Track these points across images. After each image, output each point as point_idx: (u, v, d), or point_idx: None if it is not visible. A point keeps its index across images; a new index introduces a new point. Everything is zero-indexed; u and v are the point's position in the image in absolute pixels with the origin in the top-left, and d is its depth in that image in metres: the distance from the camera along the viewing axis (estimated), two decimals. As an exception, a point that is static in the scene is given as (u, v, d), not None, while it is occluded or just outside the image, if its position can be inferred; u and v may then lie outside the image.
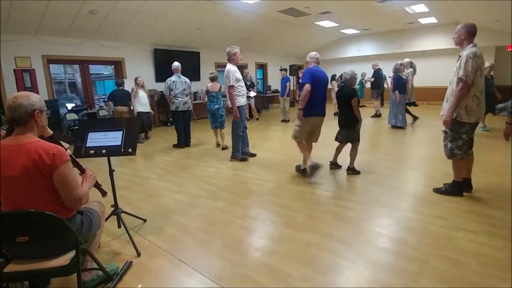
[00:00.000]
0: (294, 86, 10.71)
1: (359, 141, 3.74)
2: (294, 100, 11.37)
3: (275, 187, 3.52)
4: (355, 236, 2.33)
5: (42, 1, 5.30)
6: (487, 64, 5.77)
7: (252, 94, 8.71)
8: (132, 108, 6.40)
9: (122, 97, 6.42)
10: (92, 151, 2.14)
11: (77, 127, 6.55)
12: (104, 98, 12.55)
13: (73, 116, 7.15)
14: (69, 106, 8.03)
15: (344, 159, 3.89)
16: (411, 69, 7.06)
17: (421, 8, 8.32)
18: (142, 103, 6.42)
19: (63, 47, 6.88)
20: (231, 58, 4.28)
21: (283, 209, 2.88)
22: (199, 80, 9.78)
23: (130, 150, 2.16)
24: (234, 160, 4.63)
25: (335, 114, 9.33)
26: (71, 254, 1.54)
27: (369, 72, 9.37)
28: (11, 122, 1.49)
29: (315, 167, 3.53)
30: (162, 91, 7.62)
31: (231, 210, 2.93)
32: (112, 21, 6.69)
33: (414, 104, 7.31)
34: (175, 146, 5.88)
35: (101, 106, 8.86)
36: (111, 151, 2.16)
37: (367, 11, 8.51)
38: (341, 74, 3.78)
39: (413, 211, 2.73)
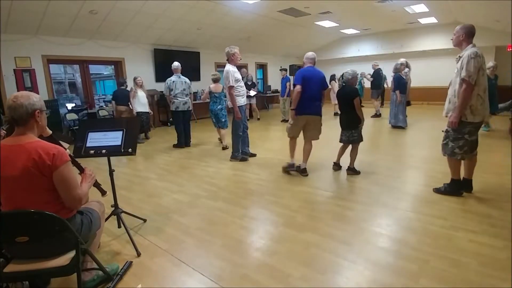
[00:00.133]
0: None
1: (362, 140, 3.75)
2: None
3: (275, 187, 3.52)
4: (355, 236, 2.33)
5: (42, 1, 5.30)
6: (490, 64, 5.78)
7: (252, 93, 8.70)
8: (131, 108, 6.40)
9: (123, 97, 6.44)
10: (92, 151, 2.14)
11: (77, 127, 6.56)
12: (104, 98, 12.58)
13: (73, 116, 7.16)
14: (69, 106, 8.05)
15: (344, 159, 3.89)
16: (407, 69, 7.09)
17: (421, 8, 8.32)
18: (141, 103, 6.42)
19: (63, 47, 6.88)
20: (230, 59, 4.28)
21: (283, 209, 2.88)
22: (199, 80, 9.79)
23: (130, 150, 2.16)
24: (234, 160, 4.63)
25: (335, 114, 9.36)
26: (71, 254, 1.54)
27: (369, 72, 9.37)
28: (11, 122, 1.49)
29: (291, 166, 3.89)
30: (162, 91, 7.62)
31: (231, 210, 2.93)
32: (112, 21, 6.69)
33: (408, 103, 7.31)
34: (175, 146, 5.89)
35: (101, 106, 8.88)
36: (111, 151, 2.16)
37: (367, 11, 8.51)
38: (342, 74, 3.77)
39: (413, 211, 2.73)
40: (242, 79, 4.65)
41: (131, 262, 2.07)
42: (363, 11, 8.44)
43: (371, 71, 8.85)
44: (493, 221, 2.45)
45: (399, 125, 6.74)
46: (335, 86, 8.77)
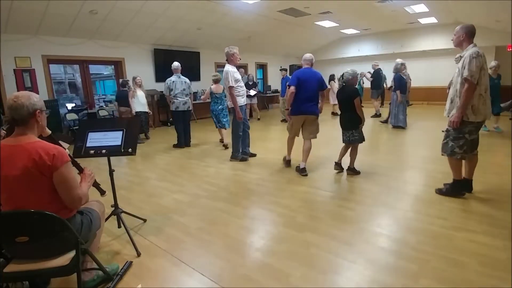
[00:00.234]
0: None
1: (364, 140, 3.74)
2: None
3: (275, 187, 3.52)
4: (355, 236, 2.33)
5: (42, 1, 5.30)
6: (493, 63, 5.77)
7: (253, 92, 8.71)
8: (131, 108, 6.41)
9: (124, 98, 6.46)
10: (92, 151, 2.14)
11: (77, 127, 6.55)
12: (104, 98, 12.59)
13: (73, 116, 7.16)
14: (69, 106, 8.04)
15: (344, 159, 3.89)
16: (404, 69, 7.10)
17: (421, 8, 8.32)
18: (140, 103, 6.42)
19: (63, 47, 6.88)
20: (230, 59, 4.28)
21: (283, 209, 2.88)
22: (199, 80, 9.79)
23: (130, 150, 2.16)
24: (234, 160, 4.63)
25: (332, 113, 9.39)
26: (71, 254, 1.54)
27: (369, 71, 9.37)
28: (11, 122, 1.49)
29: (288, 163, 4.18)
30: (162, 91, 7.62)
31: (231, 210, 2.93)
32: (112, 21, 6.69)
33: (407, 103, 7.32)
34: (175, 146, 5.89)
35: (101, 106, 8.87)
36: (111, 151, 2.16)
37: (367, 11, 8.51)
38: (342, 74, 3.77)
39: (413, 211, 2.73)
40: (242, 79, 4.65)
41: (131, 262, 2.07)
42: (363, 11, 8.44)
43: (371, 71, 8.85)
44: (493, 221, 2.45)
45: (399, 125, 6.74)
46: (334, 86, 8.77)
